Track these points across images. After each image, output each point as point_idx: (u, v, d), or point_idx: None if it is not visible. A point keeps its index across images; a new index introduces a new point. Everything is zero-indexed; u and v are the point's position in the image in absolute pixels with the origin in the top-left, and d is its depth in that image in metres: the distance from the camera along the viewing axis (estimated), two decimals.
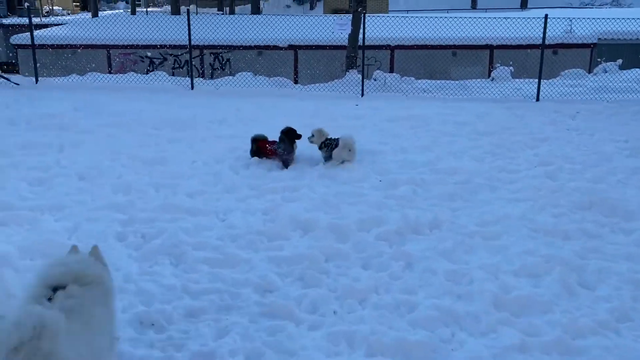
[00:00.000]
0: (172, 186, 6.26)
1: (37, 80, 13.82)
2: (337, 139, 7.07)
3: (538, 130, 9.47)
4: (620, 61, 15.51)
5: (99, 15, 32.49)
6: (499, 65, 16.51)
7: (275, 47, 20.21)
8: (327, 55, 19.77)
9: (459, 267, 4.41)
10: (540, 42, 13.65)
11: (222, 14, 39.25)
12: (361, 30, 14.13)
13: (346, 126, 8.77)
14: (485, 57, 20.11)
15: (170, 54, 20.10)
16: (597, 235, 5.08)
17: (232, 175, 6.76)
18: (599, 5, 40.73)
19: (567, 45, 19.45)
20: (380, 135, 8.85)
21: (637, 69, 14.73)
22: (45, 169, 6.74)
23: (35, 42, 14.50)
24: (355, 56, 15.71)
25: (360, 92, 13.58)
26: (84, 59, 19.61)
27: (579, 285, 4.15)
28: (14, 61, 20.93)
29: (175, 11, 30.75)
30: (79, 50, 20.12)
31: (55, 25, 25.65)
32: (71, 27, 23.42)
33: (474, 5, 43.67)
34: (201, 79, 16.12)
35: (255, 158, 7.24)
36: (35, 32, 15.24)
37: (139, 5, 49.65)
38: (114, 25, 18.44)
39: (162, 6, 57.08)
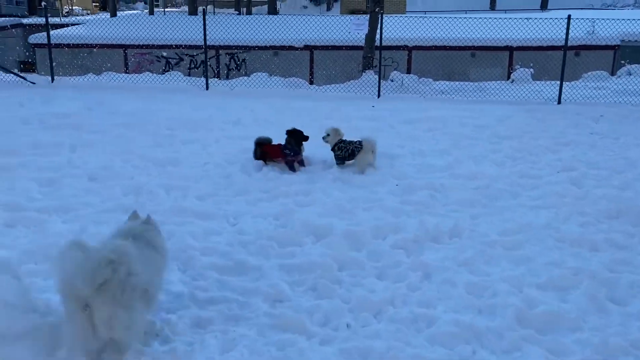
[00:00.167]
0: (183, 188, 6.14)
1: (52, 79, 13.83)
2: (355, 143, 6.86)
3: (560, 133, 9.16)
4: None
5: (117, 15, 32.67)
6: (519, 66, 16.19)
7: (291, 48, 20.08)
8: (343, 56, 19.58)
9: (480, 279, 4.19)
10: (561, 43, 13.30)
11: (239, 14, 39.30)
12: (378, 31, 13.92)
13: (362, 128, 8.58)
14: (504, 58, 19.74)
15: (187, 54, 20.09)
16: (626, 246, 4.82)
17: (244, 177, 6.61)
18: (622, 7, 39.97)
19: (590, 46, 19.01)
20: (397, 138, 8.63)
21: None
22: (55, 169, 6.65)
23: (52, 42, 14.54)
24: (372, 57, 15.50)
25: (377, 93, 13.35)
26: (100, 58, 19.67)
27: (609, 300, 3.90)
28: (31, 60, 21.09)
29: (193, 11, 30.73)
30: (95, 49, 20.21)
31: (73, 25, 25.82)
32: (88, 26, 23.54)
33: (492, 7, 43.13)
34: (216, 79, 16.03)
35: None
36: (53, 32, 15.28)
37: (157, 6, 49.92)
38: (131, 25, 18.46)
39: (180, 7, 57.47)
